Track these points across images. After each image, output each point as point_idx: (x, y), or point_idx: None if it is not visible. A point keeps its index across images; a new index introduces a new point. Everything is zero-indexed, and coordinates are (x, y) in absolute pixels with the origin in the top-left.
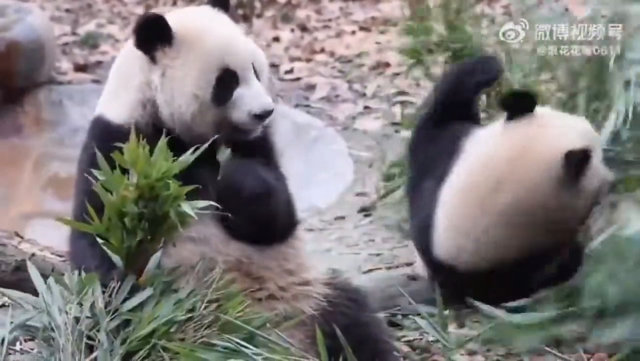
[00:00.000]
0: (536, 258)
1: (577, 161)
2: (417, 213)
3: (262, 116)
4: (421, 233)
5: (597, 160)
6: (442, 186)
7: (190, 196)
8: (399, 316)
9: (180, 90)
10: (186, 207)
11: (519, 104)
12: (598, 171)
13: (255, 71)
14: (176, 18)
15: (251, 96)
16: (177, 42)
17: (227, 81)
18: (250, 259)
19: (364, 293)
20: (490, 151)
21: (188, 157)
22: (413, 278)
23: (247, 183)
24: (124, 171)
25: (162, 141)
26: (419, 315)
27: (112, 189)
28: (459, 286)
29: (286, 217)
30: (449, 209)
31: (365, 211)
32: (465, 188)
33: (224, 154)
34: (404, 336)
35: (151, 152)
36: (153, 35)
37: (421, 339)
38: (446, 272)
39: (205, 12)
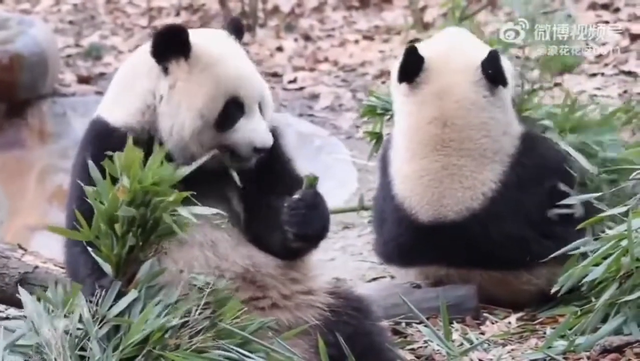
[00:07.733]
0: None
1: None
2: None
3: (261, 150)
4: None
5: None
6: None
7: (203, 203)
8: (403, 325)
9: (188, 105)
10: (184, 212)
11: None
12: None
13: (260, 107)
14: (196, 36)
15: (254, 130)
16: (193, 58)
17: (233, 109)
18: (256, 267)
19: (367, 301)
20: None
21: (186, 168)
22: (417, 286)
23: (315, 225)
24: (115, 179)
25: (157, 147)
26: (422, 323)
27: (102, 196)
28: (447, 241)
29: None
30: (403, 169)
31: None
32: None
33: (314, 180)
34: (408, 345)
35: (145, 159)
36: (172, 46)
37: (425, 347)
38: (431, 230)
39: (223, 38)
